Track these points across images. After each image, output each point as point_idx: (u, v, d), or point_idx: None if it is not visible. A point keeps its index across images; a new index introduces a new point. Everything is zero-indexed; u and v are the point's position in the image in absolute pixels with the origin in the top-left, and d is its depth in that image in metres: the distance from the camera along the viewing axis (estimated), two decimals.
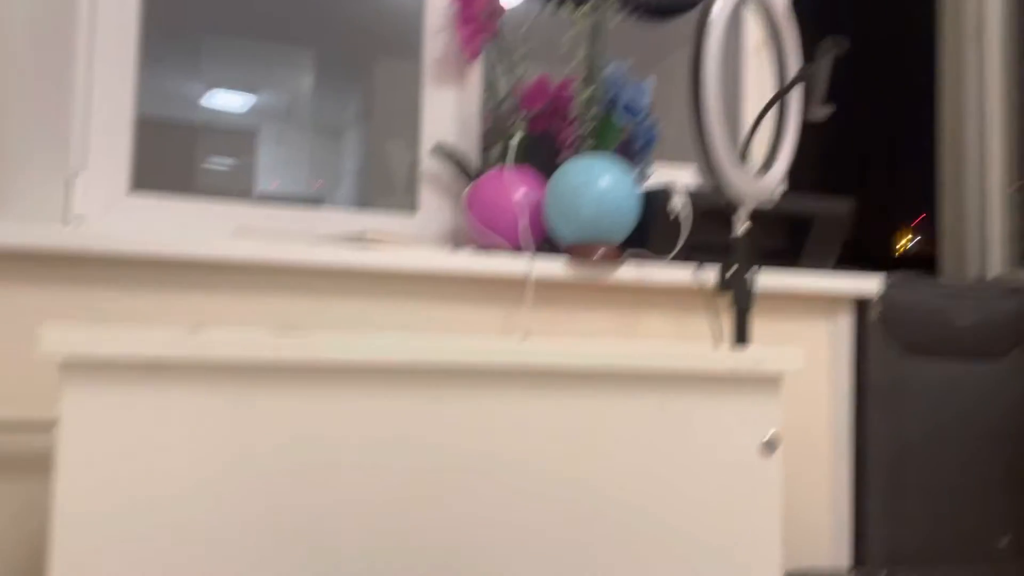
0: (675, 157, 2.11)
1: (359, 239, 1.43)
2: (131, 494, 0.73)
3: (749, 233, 1.22)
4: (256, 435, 0.77)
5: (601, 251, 1.49)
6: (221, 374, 0.75)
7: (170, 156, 2.07)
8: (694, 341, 1.64)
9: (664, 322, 1.62)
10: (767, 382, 0.94)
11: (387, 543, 0.81)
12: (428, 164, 1.76)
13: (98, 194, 1.54)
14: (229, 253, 1.35)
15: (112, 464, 0.73)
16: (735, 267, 1.24)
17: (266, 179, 2.21)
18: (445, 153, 1.71)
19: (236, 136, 2.16)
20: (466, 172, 1.70)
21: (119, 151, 1.57)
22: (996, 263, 2.06)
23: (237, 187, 2.19)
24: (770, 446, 0.93)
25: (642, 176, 1.69)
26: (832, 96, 1.22)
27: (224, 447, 0.76)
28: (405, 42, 1.94)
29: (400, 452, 0.81)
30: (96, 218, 1.53)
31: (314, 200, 2.25)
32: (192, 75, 2.12)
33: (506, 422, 0.85)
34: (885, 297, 1.69)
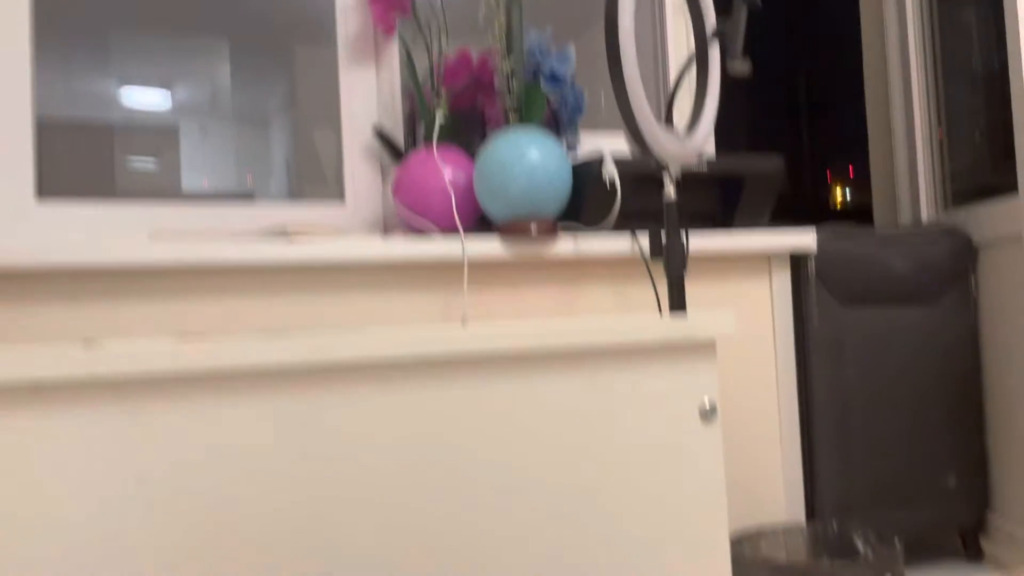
0: (607, 126, 2.09)
1: (281, 234, 1.38)
2: (22, 524, 0.69)
3: (680, 196, 1.21)
4: (156, 452, 0.73)
5: (534, 227, 1.46)
6: (117, 390, 0.71)
7: (87, 159, 1.98)
8: (635, 311, 1.63)
9: (604, 294, 1.60)
10: (701, 348, 0.93)
11: (308, 550, 0.78)
12: (353, 149, 1.71)
13: (1, 204, 1.46)
14: (142, 258, 1.29)
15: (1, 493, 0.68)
16: (666, 232, 1.23)
17: (193, 176, 2.14)
18: (380, 136, 1.67)
19: (156, 133, 2.08)
20: (401, 156, 1.66)
21: (20, 156, 1.49)
22: (927, 208, 2.09)
23: (162, 187, 2.12)
24: (708, 411, 0.92)
25: (572, 146, 1.66)
26: (756, 54, 1.21)
27: (122, 467, 0.72)
28: (322, 25, 1.88)
29: (324, 455, 0.78)
30: (1, 229, 1.45)
31: (245, 195, 2.18)
32: (102, 72, 2.03)
33: (443, 410, 0.82)
34: (820, 250, 1.70)
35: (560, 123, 1.69)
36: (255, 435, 0.76)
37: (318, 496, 0.78)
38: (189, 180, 2.14)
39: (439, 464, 0.82)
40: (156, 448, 0.72)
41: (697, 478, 0.92)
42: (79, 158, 1.97)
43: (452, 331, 0.83)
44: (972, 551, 1.81)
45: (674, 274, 1.21)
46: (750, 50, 1.22)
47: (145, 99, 2.08)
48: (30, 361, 0.67)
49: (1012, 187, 1.77)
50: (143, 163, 2.07)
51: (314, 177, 2.06)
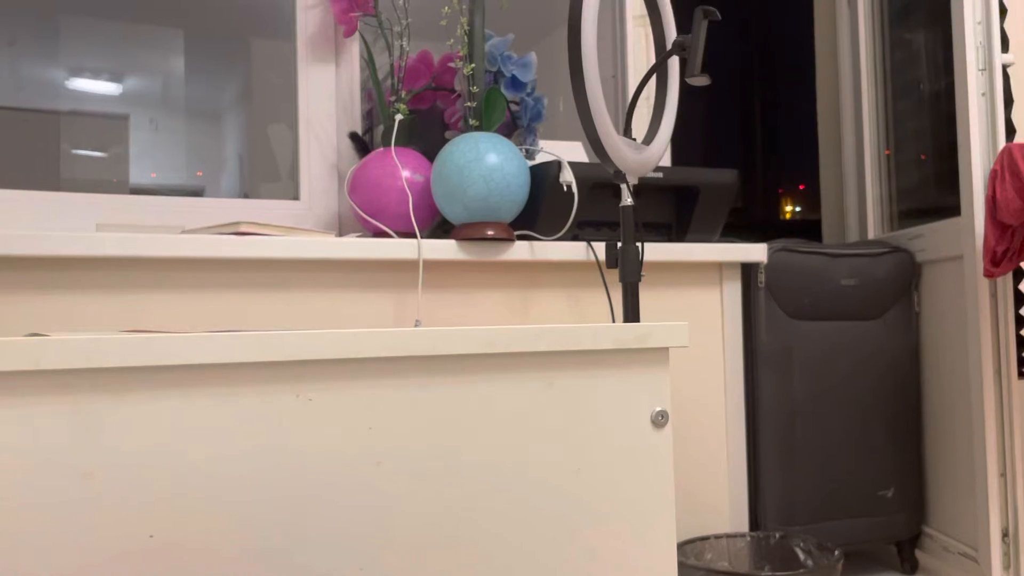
0: (565, 135, 2.10)
1: (232, 229, 1.35)
2: None
3: (636, 206, 1.21)
4: (101, 448, 0.71)
5: (490, 231, 1.46)
6: (62, 384, 0.68)
7: (32, 148, 1.92)
8: (588, 317, 1.63)
9: (558, 299, 1.61)
10: (654, 357, 0.93)
11: (255, 548, 0.76)
12: (309, 147, 1.69)
13: None
14: (91, 249, 1.25)
15: None
16: (621, 240, 1.23)
17: (142, 169, 2.08)
18: (354, 138, 1.65)
19: (105, 124, 2.03)
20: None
21: None
22: (874, 226, 2.14)
23: (109, 180, 2.06)
24: (660, 418, 0.93)
25: (532, 151, 1.66)
26: (712, 70, 1.22)
27: (67, 462, 0.69)
28: (281, 19, 1.86)
29: (274, 452, 0.76)
30: None
31: (194, 191, 2.14)
32: (51, 61, 1.98)
33: (388, 413, 0.81)
34: (770, 264, 1.73)
35: (520, 127, 1.69)
36: (203, 432, 0.74)
37: (268, 494, 0.76)
38: (137, 173, 2.09)
39: (391, 463, 0.81)
40: (101, 444, 0.70)
41: (647, 482, 0.92)
42: (24, 147, 1.91)
43: (410, 333, 0.82)
44: (908, 563, 1.86)
45: (628, 281, 1.22)
46: (707, 61, 1.23)
47: (95, 88, 2.02)
48: None
49: (955, 209, 1.82)
50: (90, 154, 2.02)
51: (268, 174, 2.03)
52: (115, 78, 2.06)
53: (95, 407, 0.69)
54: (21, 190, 1.49)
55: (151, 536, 0.71)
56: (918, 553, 1.90)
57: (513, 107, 1.69)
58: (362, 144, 1.66)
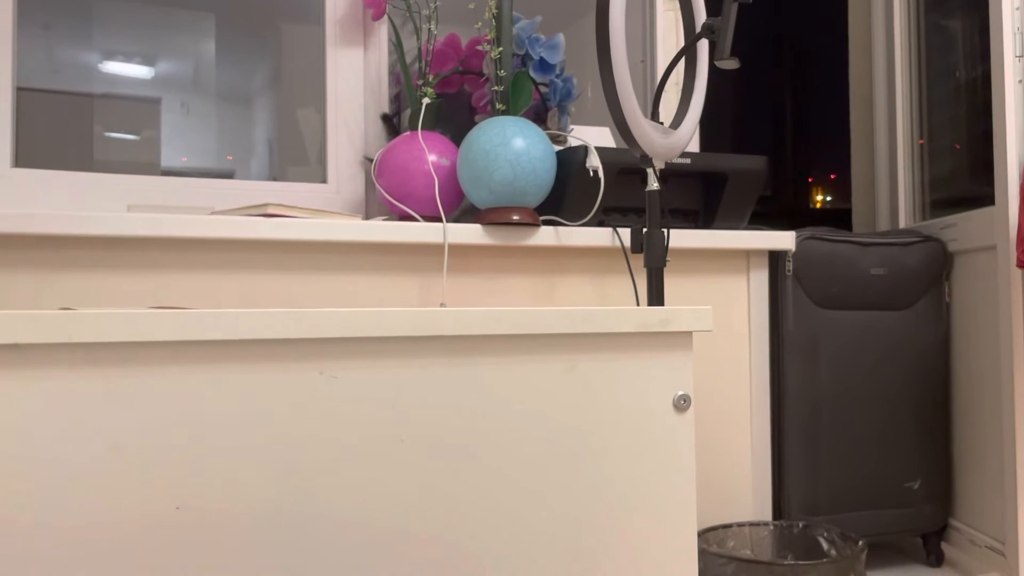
0: (594, 120, 2.09)
1: (260, 211, 1.37)
2: None
3: (662, 191, 1.21)
4: (130, 421, 0.72)
5: (516, 216, 1.46)
6: (94, 356, 0.70)
7: (66, 129, 1.95)
8: (612, 302, 1.63)
9: (583, 284, 1.60)
10: (678, 341, 0.93)
11: (280, 523, 0.77)
12: (338, 131, 1.70)
13: None
14: (121, 228, 1.27)
15: None
16: (647, 228, 1.23)
17: (173, 152, 2.11)
18: (386, 120, 1.66)
19: (137, 107, 2.05)
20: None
21: None
22: (905, 215, 2.11)
23: (140, 161, 2.09)
24: (682, 401, 0.93)
25: (560, 136, 1.66)
26: (743, 56, 1.21)
27: (97, 434, 0.71)
28: (310, 4, 1.87)
29: (300, 428, 0.78)
30: None
31: (224, 174, 2.16)
32: (85, 44, 2.00)
33: (412, 392, 0.82)
34: (798, 251, 1.71)
35: (550, 109, 1.68)
36: (231, 407, 0.75)
37: (292, 469, 0.77)
38: (168, 156, 2.11)
39: (416, 442, 0.82)
40: (131, 416, 0.71)
41: (669, 466, 0.92)
42: (57, 129, 1.94)
43: (434, 312, 0.82)
44: (933, 556, 1.84)
45: (653, 266, 1.21)
46: (738, 48, 1.22)
47: (128, 71, 2.05)
48: (9, 324, 0.66)
49: (989, 198, 1.79)
50: (123, 137, 2.05)
51: (297, 158, 2.04)
52: (147, 62, 2.08)
53: (125, 380, 0.71)
54: (56, 170, 1.52)
55: (177, 508, 0.73)
56: (944, 546, 1.88)
57: (542, 89, 1.68)
58: (393, 127, 1.66)
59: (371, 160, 1.68)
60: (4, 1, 1.48)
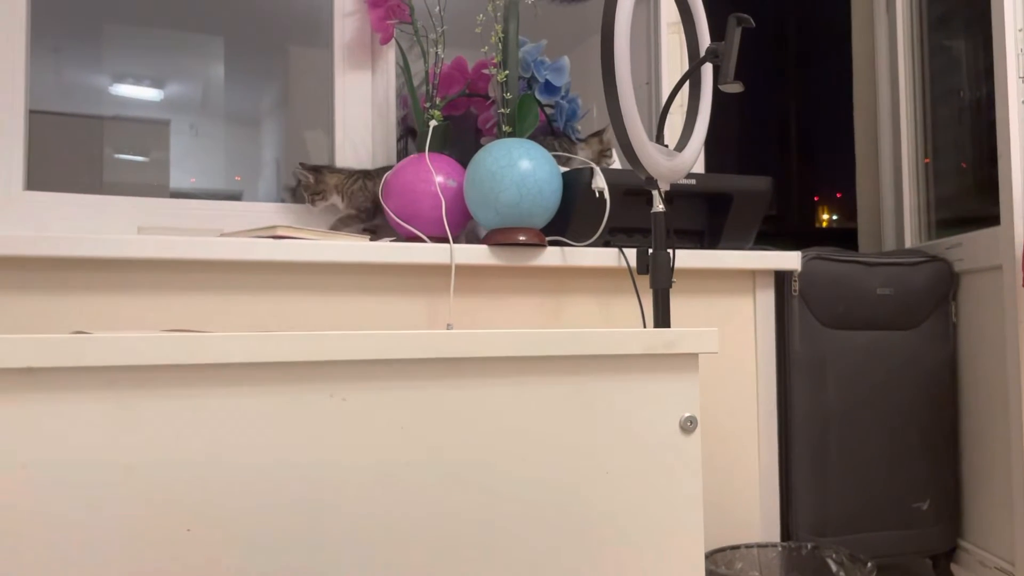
0: None
1: (269, 233, 1.38)
2: (6, 508, 0.68)
3: (668, 212, 1.22)
4: (143, 442, 0.73)
5: (522, 236, 1.47)
6: (107, 379, 0.71)
7: (76, 152, 1.97)
8: (618, 323, 1.63)
9: (589, 305, 1.61)
10: (684, 363, 0.93)
11: (291, 544, 0.77)
12: (346, 152, 1.72)
13: None
14: (132, 251, 1.28)
15: None
16: (653, 248, 1.24)
17: (182, 174, 2.13)
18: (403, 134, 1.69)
19: (147, 129, 2.07)
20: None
21: (11, 148, 1.49)
22: (911, 235, 2.11)
23: (150, 183, 2.11)
24: (688, 423, 0.93)
25: (567, 155, 1.67)
26: (746, 76, 1.22)
27: (110, 456, 0.71)
28: (319, 27, 1.89)
29: (310, 450, 0.78)
30: None
31: (232, 196, 2.18)
32: (95, 67, 2.03)
33: (420, 414, 0.82)
34: (804, 271, 1.72)
35: (557, 130, 1.70)
36: (242, 430, 0.76)
37: (302, 491, 0.78)
38: (177, 177, 2.13)
39: (423, 464, 0.82)
40: (143, 438, 0.72)
41: (676, 488, 0.92)
42: (68, 151, 1.96)
43: (443, 335, 0.83)
44: None
45: (659, 287, 1.22)
46: (742, 71, 1.23)
47: (138, 94, 2.07)
48: (24, 347, 0.67)
49: (995, 218, 1.79)
50: (132, 159, 2.06)
51: None
52: (157, 84, 2.10)
53: (136, 403, 0.72)
54: (66, 193, 1.53)
55: (188, 530, 0.73)
56: (953, 567, 1.87)
57: (548, 110, 1.70)
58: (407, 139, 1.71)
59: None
60: (17, 25, 1.50)
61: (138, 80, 2.05)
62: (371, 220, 1.62)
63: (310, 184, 1.60)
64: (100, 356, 0.69)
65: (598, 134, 1.70)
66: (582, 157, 1.68)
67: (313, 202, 1.60)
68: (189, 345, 0.72)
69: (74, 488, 0.70)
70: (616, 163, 1.70)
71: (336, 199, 1.61)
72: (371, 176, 1.61)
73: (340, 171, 1.62)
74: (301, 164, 1.64)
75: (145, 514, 0.72)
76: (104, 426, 0.71)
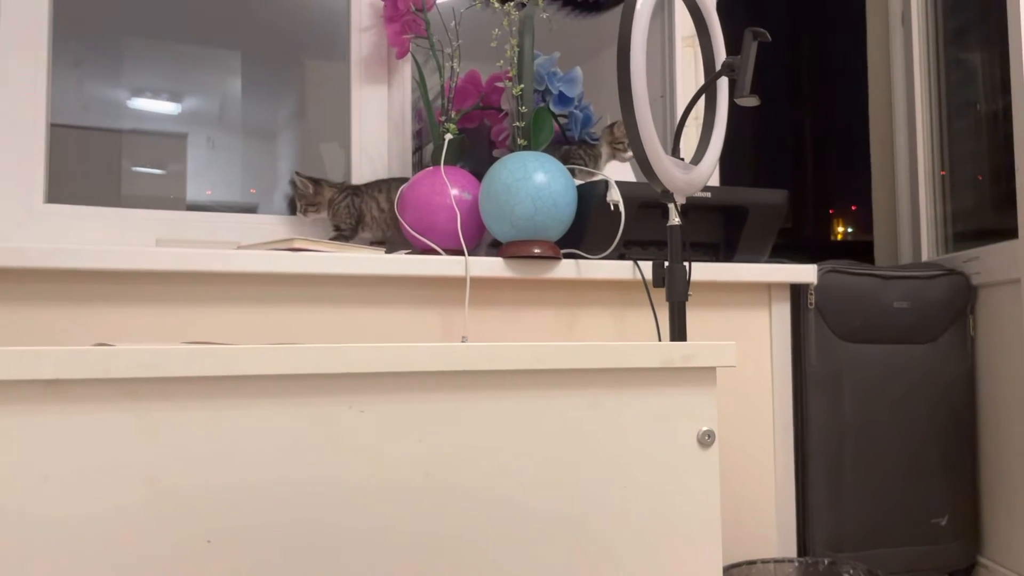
0: None
1: (286, 245, 1.39)
2: (30, 520, 0.69)
3: (684, 226, 1.22)
4: (165, 455, 0.73)
5: (537, 249, 1.47)
6: (130, 391, 0.71)
7: (95, 165, 1.99)
8: (633, 336, 1.63)
9: (603, 318, 1.61)
10: (702, 376, 0.93)
11: (312, 557, 0.77)
12: (362, 165, 1.73)
13: (10, 206, 1.47)
14: (151, 263, 1.29)
15: (3, 492, 0.68)
16: (669, 261, 1.24)
17: (198, 186, 2.14)
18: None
19: (165, 142, 2.09)
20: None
21: (33, 161, 1.50)
22: (928, 248, 2.10)
23: (167, 196, 2.12)
24: (706, 437, 0.93)
25: (582, 167, 1.67)
26: (762, 89, 1.22)
27: (131, 468, 0.72)
28: (335, 41, 1.90)
29: (330, 463, 0.78)
30: (9, 231, 1.46)
31: (248, 208, 2.19)
32: (115, 81, 2.05)
33: (438, 426, 0.83)
34: (820, 284, 1.71)
35: (572, 139, 1.70)
36: (262, 441, 0.76)
37: (323, 503, 0.78)
38: (193, 190, 2.14)
39: (437, 475, 0.83)
40: (164, 450, 0.72)
41: (694, 502, 0.92)
42: (87, 164, 1.98)
43: (461, 347, 0.83)
44: None
45: (675, 300, 1.22)
46: (758, 84, 1.23)
47: (156, 108, 2.09)
48: (48, 359, 0.67)
49: (1013, 231, 1.78)
50: (149, 171, 2.08)
51: None
52: (175, 98, 2.12)
53: (159, 415, 0.72)
54: (86, 205, 1.55)
55: (209, 541, 0.73)
56: None
57: (562, 120, 1.70)
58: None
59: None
60: (40, 41, 1.52)
61: (156, 94, 2.07)
62: (352, 238, 1.62)
63: (308, 195, 1.61)
64: (123, 368, 0.69)
65: (610, 127, 1.71)
66: (601, 150, 1.69)
67: (306, 212, 1.61)
68: (211, 357, 0.73)
69: (95, 500, 0.71)
70: (630, 153, 1.71)
71: (327, 213, 1.62)
72: (359, 194, 1.61)
73: (335, 186, 1.63)
74: (298, 173, 1.65)
75: (166, 526, 0.73)
76: (126, 438, 0.71)
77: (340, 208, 1.60)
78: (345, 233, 1.61)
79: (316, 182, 1.62)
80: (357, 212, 1.60)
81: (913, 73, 2.13)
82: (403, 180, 1.61)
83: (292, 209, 1.75)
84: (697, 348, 0.92)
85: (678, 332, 1.22)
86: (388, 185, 1.62)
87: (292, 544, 0.77)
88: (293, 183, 1.70)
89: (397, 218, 1.58)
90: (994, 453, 1.80)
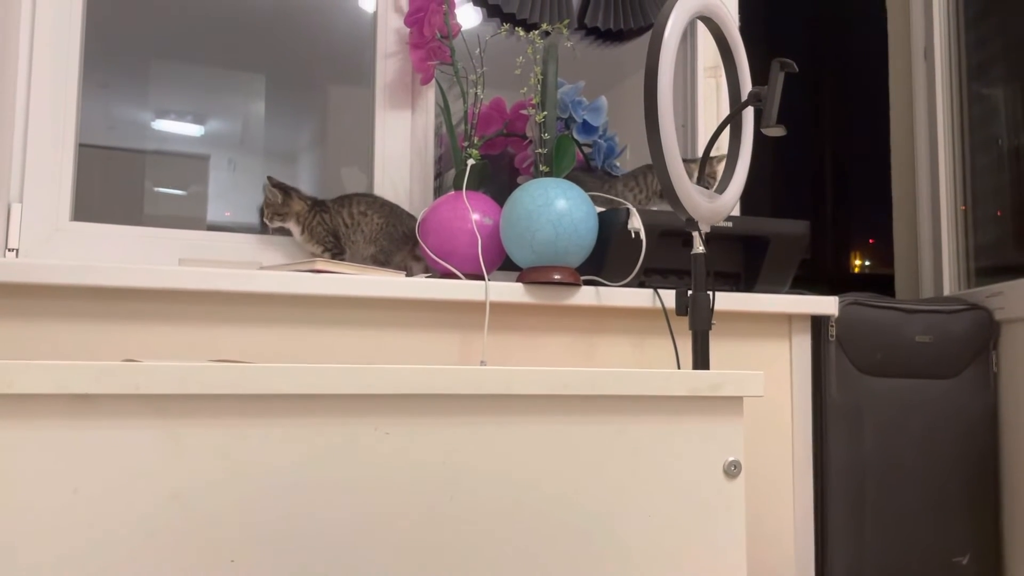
0: None
1: (308, 267, 1.39)
2: (56, 532, 0.69)
3: (707, 255, 1.21)
4: (191, 471, 0.73)
5: (557, 275, 1.47)
6: (158, 407, 0.71)
7: (118, 184, 2.01)
8: (652, 364, 1.62)
9: (622, 345, 1.60)
10: (729, 406, 0.92)
11: (335, 573, 0.77)
12: (384, 189, 1.74)
13: (38, 223, 1.48)
14: (175, 282, 1.30)
15: (34, 504, 0.68)
16: (693, 287, 1.23)
17: (218, 207, 2.16)
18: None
19: (187, 164, 2.11)
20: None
21: (61, 179, 1.52)
22: (949, 281, 2.09)
23: (188, 216, 2.14)
24: (732, 468, 0.91)
25: (605, 195, 1.67)
26: (786, 121, 1.22)
27: (157, 483, 0.72)
28: (359, 66, 1.92)
29: (354, 482, 0.78)
30: (35, 247, 1.47)
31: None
32: (140, 103, 2.08)
33: (462, 450, 0.82)
34: (841, 317, 1.70)
35: (595, 168, 1.71)
36: (288, 461, 0.76)
37: (347, 521, 0.77)
38: (215, 211, 2.16)
39: (460, 499, 0.82)
40: (190, 467, 0.72)
41: (719, 533, 0.90)
42: (111, 183, 2.00)
43: (487, 371, 0.83)
44: None
45: (699, 329, 1.21)
46: (779, 115, 1.24)
47: (180, 129, 2.11)
48: (82, 374, 0.67)
49: None
50: (171, 192, 2.10)
51: None
52: (199, 120, 2.15)
53: (186, 431, 0.72)
54: (109, 224, 1.56)
55: (232, 561, 0.73)
56: None
57: (586, 150, 1.71)
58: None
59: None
60: (71, 63, 1.55)
61: (180, 116, 2.09)
62: (344, 253, 1.59)
63: (275, 203, 1.56)
64: (152, 384, 0.69)
65: (637, 176, 1.70)
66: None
67: (272, 220, 1.57)
68: (239, 375, 0.73)
69: (122, 513, 0.71)
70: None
71: (293, 226, 1.58)
72: (327, 209, 1.59)
73: (305, 199, 1.59)
74: (270, 178, 1.62)
75: (190, 542, 0.72)
76: (153, 453, 0.71)
77: (315, 227, 1.57)
78: (334, 251, 1.58)
79: (286, 191, 1.58)
80: (332, 228, 1.57)
81: (936, 107, 2.13)
82: (366, 195, 1.60)
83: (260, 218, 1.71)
84: (724, 377, 0.91)
85: (701, 362, 1.21)
86: (351, 200, 1.59)
87: (315, 563, 0.76)
88: (263, 188, 1.65)
89: (363, 235, 1.56)
90: (1017, 490, 1.77)
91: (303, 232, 1.58)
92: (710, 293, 1.23)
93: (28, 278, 1.23)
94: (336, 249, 1.58)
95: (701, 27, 2.00)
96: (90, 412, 0.70)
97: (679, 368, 1.58)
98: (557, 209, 1.44)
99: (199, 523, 0.72)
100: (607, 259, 1.52)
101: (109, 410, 0.70)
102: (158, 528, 0.71)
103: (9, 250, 1.43)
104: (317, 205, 1.59)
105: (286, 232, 1.62)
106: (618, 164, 1.74)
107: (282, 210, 1.57)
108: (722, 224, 1.55)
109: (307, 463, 0.76)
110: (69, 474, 0.69)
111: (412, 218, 1.62)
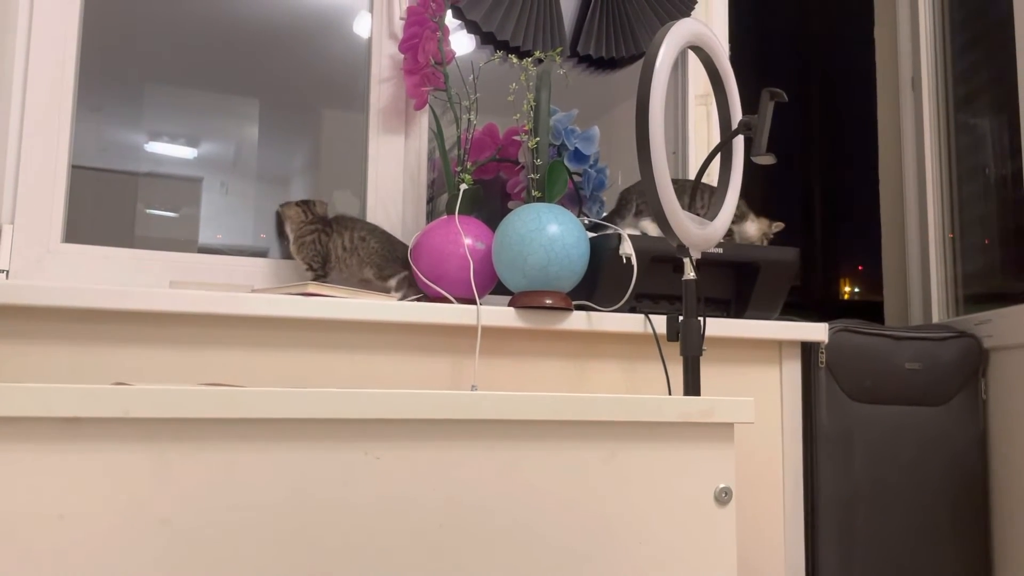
0: None
1: (300, 290, 1.39)
2: (43, 556, 0.68)
3: (697, 281, 1.22)
4: (179, 496, 0.72)
5: (549, 300, 1.47)
6: (147, 432, 0.71)
7: (110, 206, 2.01)
8: (642, 389, 1.62)
9: (613, 371, 1.60)
10: (719, 432, 0.92)
11: None
12: (377, 213, 1.74)
13: (29, 245, 1.48)
14: (166, 304, 1.30)
15: (19, 530, 0.67)
16: (684, 312, 1.24)
17: (210, 230, 2.16)
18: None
19: (179, 186, 2.11)
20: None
21: (53, 201, 1.52)
22: (938, 308, 2.10)
23: (179, 238, 2.14)
24: (723, 495, 0.91)
25: (595, 223, 1.68)
26: (776, 148, 1.24)
27: (146, 508, 0.71)
28: (352, 91, 1.94)
29: (342, 507, 0.77)
30: (26, 269, 1.47)
31: (258, 253, 2.21)
32: (133, 126, 2.08)
33: (453, 474, 0.82)
34: (831, 344, 1.71)
35: (583, 197, 1.72)
36: (278, 485, 0.75)
37: (337, 548, 0.77)
38: (206, 234, 2.16)
39: (451, 525, 0.81)
40: (179, 491, 0.71)
41: (710, 560, 0.90)
42: (103, 205, 2.00)
43: (478, 396, 0.83)
44: None
45: (690, 355, 1.21)
46: (769, 143, 1.25)
47: (172, 152, 2.11)
48: (70, 397, 0.67)
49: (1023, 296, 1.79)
50: (163, 214, 2.10)
51: None
52: (192, 143, 2.15)
53: (175, 455, 0.71)
54: (101, 246, 1.56)
55: None
56: None
57: (576, 178, 1.72)
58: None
59: None
60: (66, 87, 1.55)
61: (173, 138, 2.09)
62: (325, 277, 1.58)
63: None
64: (141, 408, 0.69)
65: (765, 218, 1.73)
66: (751, 231, 1.71)
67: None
68: (228, 399, 0.72)
69: (109, 539, 0.70)
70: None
71: (289, 231, 1.58)
72: (328, 231, 1.57)
73: (304, 207, 1.60)
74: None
75: (179, 568, 0.71)
76: (141, 478, 0.71)
77: (307, 243, 1.56)
78: (318, 272, 1.56)
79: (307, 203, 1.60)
80: (324, 250, 1.56)
81: (924, 136, 2.16)
82: (367, 223, 1.60)
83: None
84: (715, 403, 0.91)
85: (692, 387, 1.21)
86: (353, 224, 1.58)
87: None
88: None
89: (358, 258, 1.56)
90: (1006, 519, 1.77)
91: (294, 242, 1.58)
92: (701, 319, 1.24)
93: (19, 300, 1.22)
94: (320, 272, 1.57)
95: (692, 56, 2.02)
96: (78, 436, 0.69)
97: (670, 394, 1.58)
98: (549, 234, 1.44)
99: (188, 549, 0.72)
100: (599, 284, 1.53)
101: (98, 434, 0.69)
102: (146, 553, 0.71)
103: (0, 271, 1.43)
104: (318, 221, 1.58)
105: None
106: (603, 198, 1.75)
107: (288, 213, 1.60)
108: (712, 250, 1.56)
109: (297, 488, 0.76)
110: (56, 499, 0.68)
111: (405, 246, 1.62)
